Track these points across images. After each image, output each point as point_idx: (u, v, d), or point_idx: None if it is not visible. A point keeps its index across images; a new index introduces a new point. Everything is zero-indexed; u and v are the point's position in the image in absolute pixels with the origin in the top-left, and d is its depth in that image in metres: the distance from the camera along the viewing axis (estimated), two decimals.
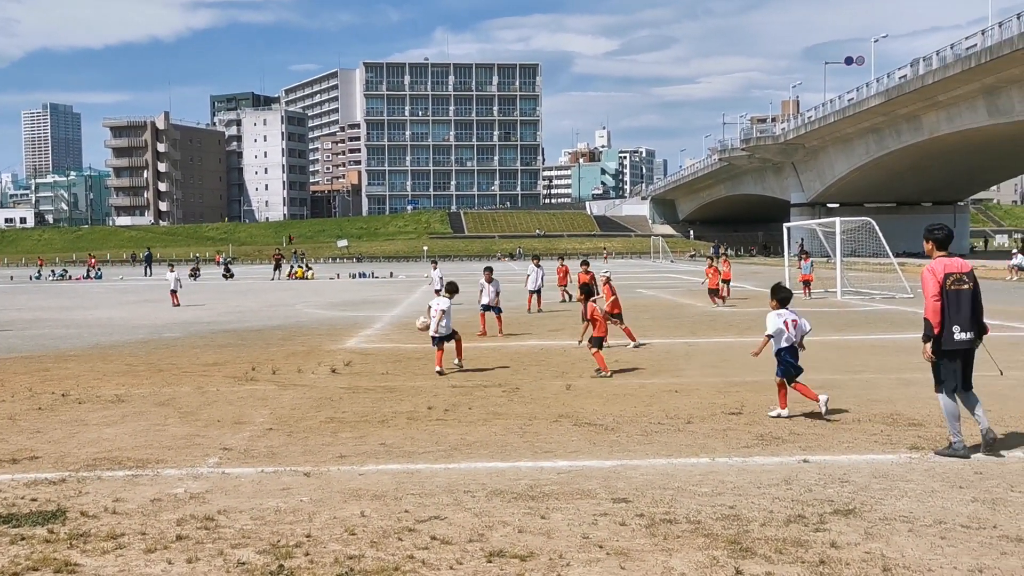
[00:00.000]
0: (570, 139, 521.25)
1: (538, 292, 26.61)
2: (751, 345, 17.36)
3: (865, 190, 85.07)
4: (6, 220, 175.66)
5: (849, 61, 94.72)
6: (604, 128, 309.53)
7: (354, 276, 57.94)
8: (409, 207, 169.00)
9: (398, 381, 13.16)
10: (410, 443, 8.93)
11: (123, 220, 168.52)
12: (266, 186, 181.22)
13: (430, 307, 14.40)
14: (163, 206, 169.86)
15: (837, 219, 32.50)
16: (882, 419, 9.78)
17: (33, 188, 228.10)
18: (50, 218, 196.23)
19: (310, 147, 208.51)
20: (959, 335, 7.91)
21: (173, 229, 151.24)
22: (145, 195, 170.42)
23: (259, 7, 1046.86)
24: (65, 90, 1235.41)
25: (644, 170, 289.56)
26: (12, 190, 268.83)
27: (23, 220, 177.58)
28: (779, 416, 9.93)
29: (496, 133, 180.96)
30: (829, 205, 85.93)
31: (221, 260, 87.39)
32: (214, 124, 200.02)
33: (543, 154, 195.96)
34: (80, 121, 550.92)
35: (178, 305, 30.96)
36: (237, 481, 7.52)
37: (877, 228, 32.04)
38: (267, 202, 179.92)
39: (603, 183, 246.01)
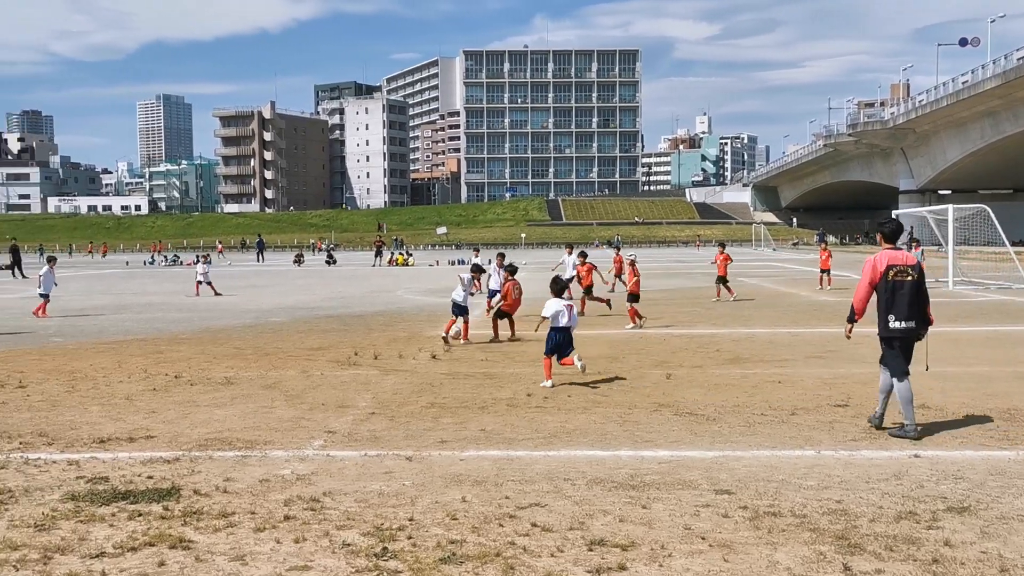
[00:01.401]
0: (669, 125, 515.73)
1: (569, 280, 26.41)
2: (857, 336, 16.91)
3: (979, 176, 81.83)
4: (122, 207, 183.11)
5: (964, 42, 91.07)
6: (705, 114, 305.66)
7: (453, 263, 58.50)
8: (507, 194, 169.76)
9: (497, 368, 13.24)
10: (510, 429, 8.97)
11: (231, 207, 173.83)
12: (367, 174, 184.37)
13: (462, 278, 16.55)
14: (269, 193, 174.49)
15: (950, 206, 31.31)
16: (998, 414, 9.39)
17: (147, 177, 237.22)
18: (163, 205, 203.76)
19: (410, 135, 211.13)
20: (894, 323, 8.39)
21: (278, 216, 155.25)
22: (252, 183, 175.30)
23: None
24: (177, 81, 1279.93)
25: (745, 156, 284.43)
26: (128, 179, 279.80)
27: (138, 207, 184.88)
28: (544, 387, 11.19)
29: (595, 120, 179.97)
30: (940, 192, 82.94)
31: (323, 246, 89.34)
32: (318, 113, 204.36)
33: (642, 141, 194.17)
34: (191, 111, 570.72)
35: (197, 295, 29.21)
36: (341, 464, 7.67)
37: (993, 216, 30.80)
38: (368, 189, 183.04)
39: (703, 170, 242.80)
